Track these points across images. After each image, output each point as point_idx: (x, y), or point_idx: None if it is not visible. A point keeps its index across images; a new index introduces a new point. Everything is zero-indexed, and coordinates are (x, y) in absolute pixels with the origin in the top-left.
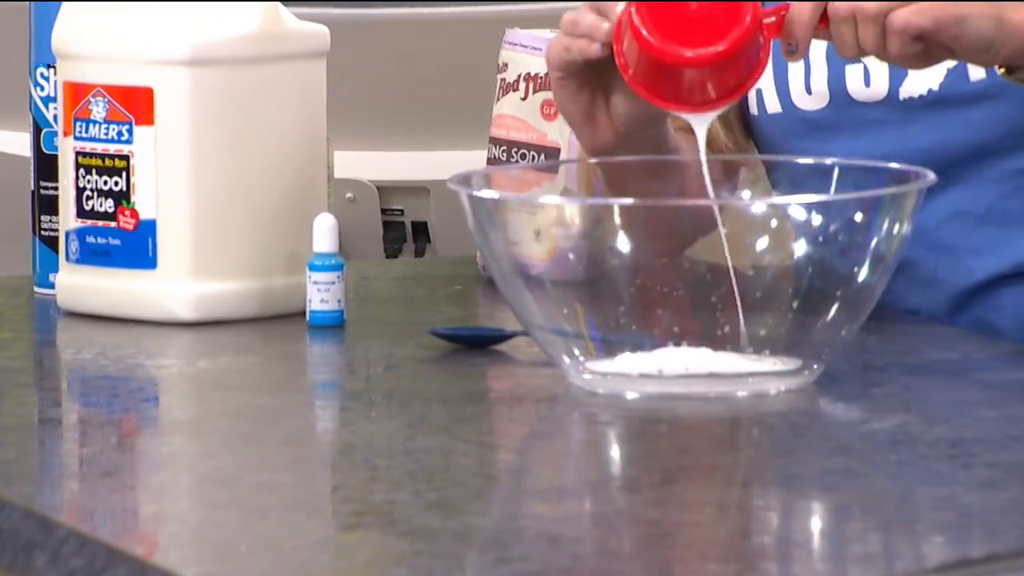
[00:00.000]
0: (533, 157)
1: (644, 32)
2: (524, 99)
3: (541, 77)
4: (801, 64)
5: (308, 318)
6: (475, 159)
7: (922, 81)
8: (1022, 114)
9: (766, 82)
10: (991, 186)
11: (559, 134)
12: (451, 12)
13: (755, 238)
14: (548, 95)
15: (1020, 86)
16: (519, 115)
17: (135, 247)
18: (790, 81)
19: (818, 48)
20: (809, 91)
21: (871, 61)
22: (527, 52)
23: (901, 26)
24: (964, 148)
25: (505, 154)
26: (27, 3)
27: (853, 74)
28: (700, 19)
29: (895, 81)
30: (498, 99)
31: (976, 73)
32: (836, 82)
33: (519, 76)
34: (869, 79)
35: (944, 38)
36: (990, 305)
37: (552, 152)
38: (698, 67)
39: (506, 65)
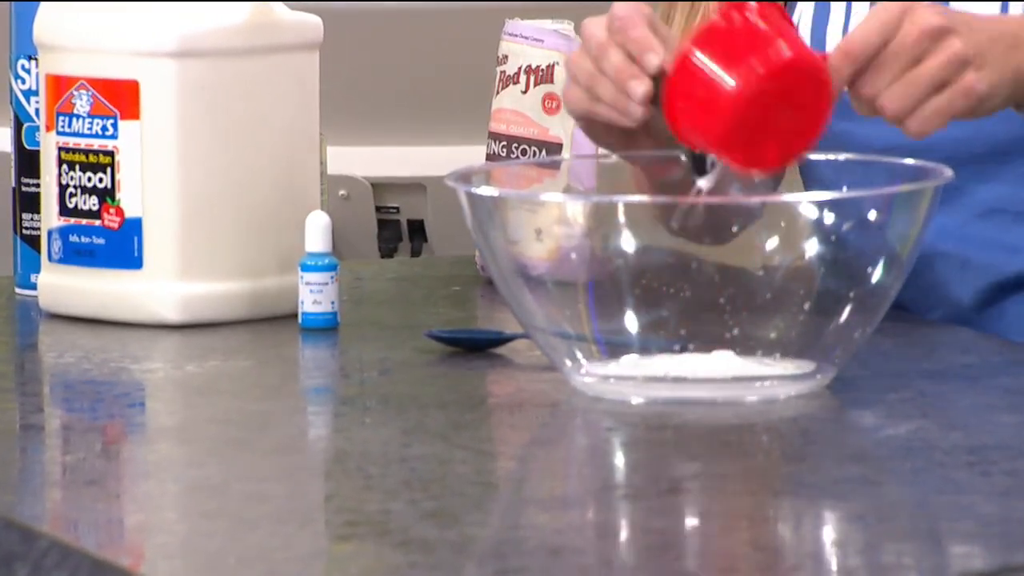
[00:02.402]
0: (534, 153)
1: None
2: (525, 92)
3: (543, 69)
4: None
5: (300, 320)
6: (474, 155)
7: None
8: None
9: None
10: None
11: (561, 129)
12: (449, 4)
13: (765, 237)
14: (550, 88)
15: None
16: (519, 109)
17: (120, 246)
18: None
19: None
20: None
21: None
22: (528, 44)
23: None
24: (1005, 138)
25: (505, 150)
26: None
27: None
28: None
29: None
30: (497, 92)
31: None
32: None
33: (519, 68)
34: None
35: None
36: (1020, 302)
37: (554, 148)
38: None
39: (506, 57)
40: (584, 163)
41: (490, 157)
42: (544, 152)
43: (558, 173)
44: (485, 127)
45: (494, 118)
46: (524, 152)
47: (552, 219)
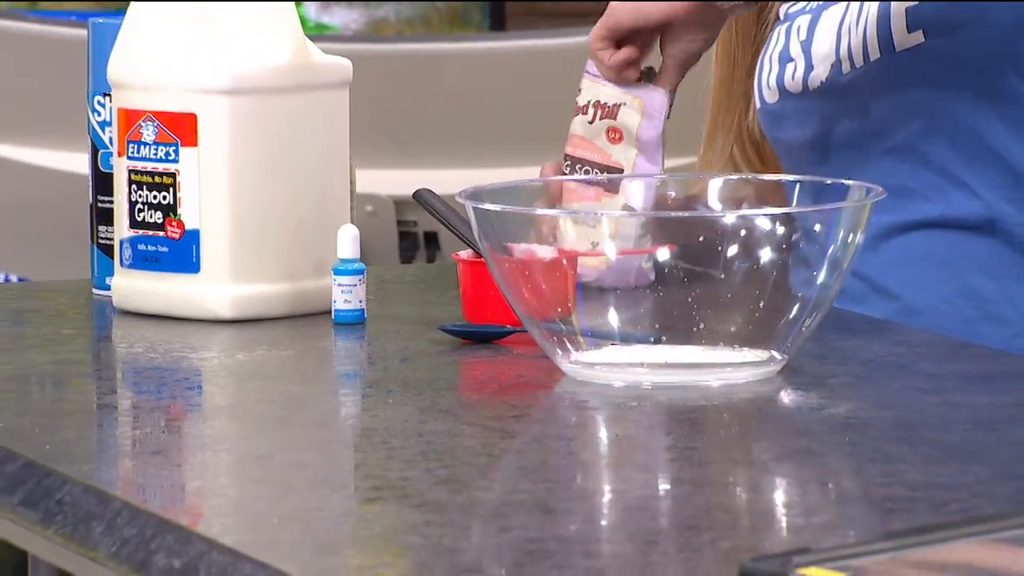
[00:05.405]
0: (597, 174)
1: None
2: (591, 123)
3: (609, 106)
4: (769, 63)
5: (333, 316)
6: (478, 177)
7: (817, 74)
8: (880, 103)
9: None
10: (881, 166)
11: (623, 156)
12: (454, 47)
13: (727, 245)
14: (612, 123)
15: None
16: (586, 136)
17: (181, 254)
18: (762, 80)
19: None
20: (769, 87)
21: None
22: (601, 83)
23: None
24: (853, 132)
25: (569, 168)
26: (86, 39)
27: (788, 69)
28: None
29: (806, 73)
30: (572, 119)
31: (845, 67)
32: (779, 78)
33: (588, 102)
34: (795, 73)
35: None
36: (868, 261)
37: (615, 171)
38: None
39: (580, 90)
40: (638, 182)
41: (564, 174)
42: (605, 175)
43: (616, 194)
44: (487, 154)
45: (568, 142)
46: (587, 172)
47: (605, 232)
